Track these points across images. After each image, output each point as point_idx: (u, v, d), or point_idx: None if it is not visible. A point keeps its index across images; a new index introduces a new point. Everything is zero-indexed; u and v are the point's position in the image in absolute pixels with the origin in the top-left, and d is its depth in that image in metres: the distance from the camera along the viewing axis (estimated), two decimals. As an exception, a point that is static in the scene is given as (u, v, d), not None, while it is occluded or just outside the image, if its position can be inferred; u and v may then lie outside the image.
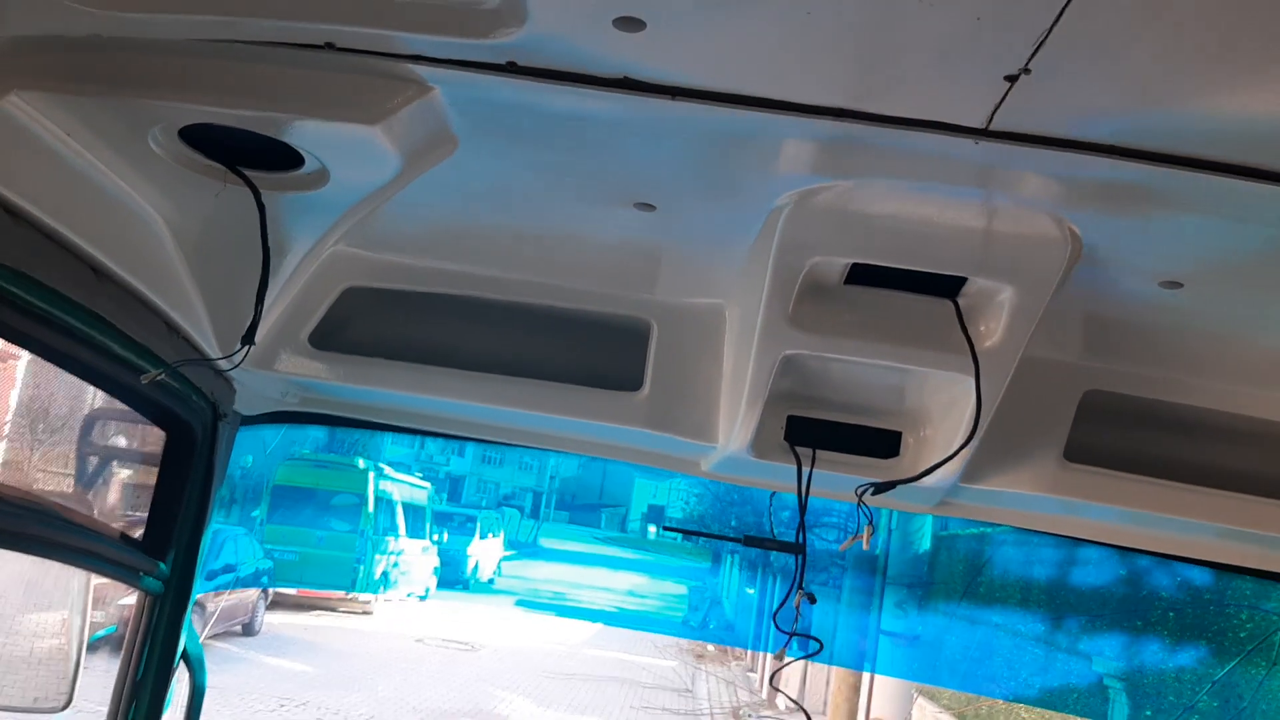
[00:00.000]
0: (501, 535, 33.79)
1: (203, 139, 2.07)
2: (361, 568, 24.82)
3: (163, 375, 2.47)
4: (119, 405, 2.87)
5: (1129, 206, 2.00)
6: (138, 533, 3.05)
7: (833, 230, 2.19)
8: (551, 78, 1.80)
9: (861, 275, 2.37)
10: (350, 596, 27.11)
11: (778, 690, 24.04)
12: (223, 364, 2.61)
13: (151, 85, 1.90)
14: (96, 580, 3.55)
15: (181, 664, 3.19)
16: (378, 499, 25.26)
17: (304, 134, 1.99)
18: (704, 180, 2.20)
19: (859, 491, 2.78)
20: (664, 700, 22.89)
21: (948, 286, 2.36)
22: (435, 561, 28.60)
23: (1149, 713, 8.30)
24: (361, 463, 24.89)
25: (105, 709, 3.06)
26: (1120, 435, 2.88)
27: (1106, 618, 9.29)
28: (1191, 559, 3.33)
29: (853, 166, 2.02)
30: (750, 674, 26.71)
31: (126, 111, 1.97)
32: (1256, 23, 1.42)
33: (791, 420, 2.83)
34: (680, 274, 2.73)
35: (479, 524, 31.56)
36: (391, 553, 25.94)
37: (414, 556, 27.34)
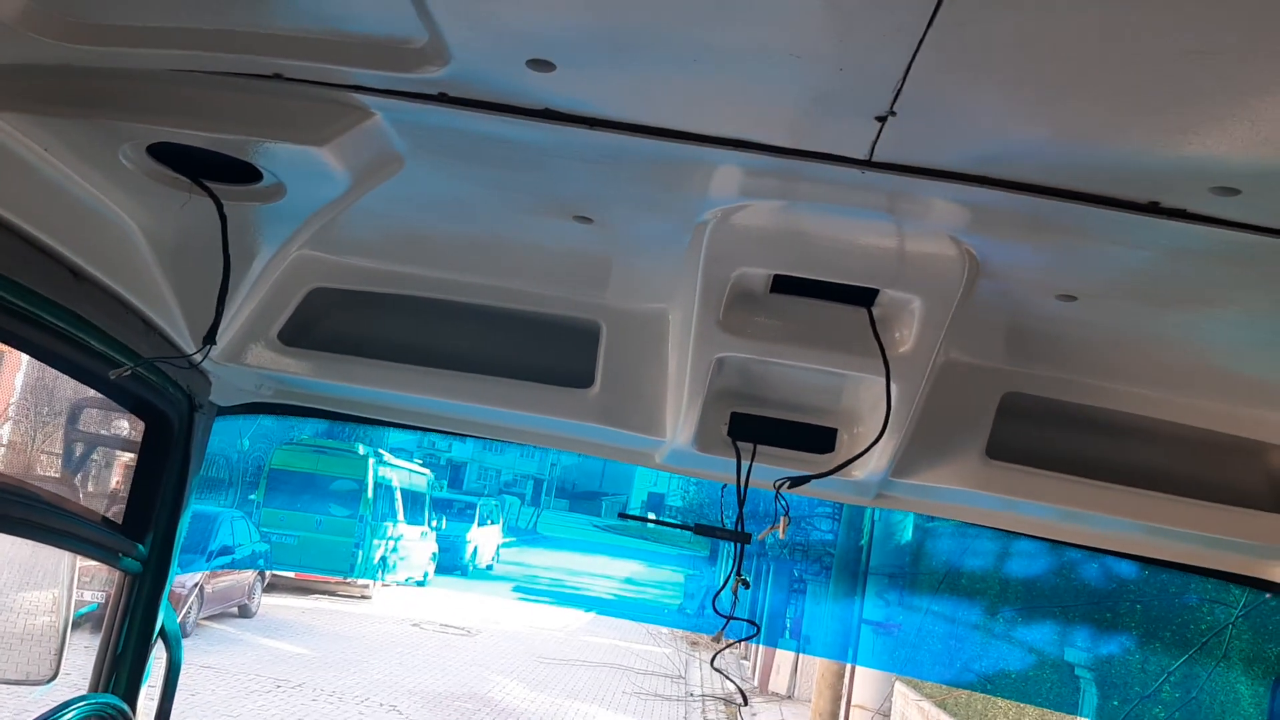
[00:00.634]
0: (501, 522, 33.92)
1: (171, 154, 2.25)
2: (360, 552, 24.93)
3: (132, 370, 2.64)
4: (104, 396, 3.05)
5: (1013, 230, 2.16)
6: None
7: (753, 245, 2.36)
8: (479, 107, 1.97)
9: (786, 284, 2.53)
10: (349, 581, 27.31)
11: (762, 681, 24.29)
12: (195, 358, 2.79)
13: (120, 109, 2.09)
14: (84, 562, 3.73)
15: (159, 640, 3.38)
16: (377, 484, 25.38)
17: (259, 153, 2.18)
18: (633, 198, 2.37)
19: (776, 484, 2.96)
20: (657, 686, 23.12)
21: (863, 296, 2.53)
22: (434, 547, 28.65)
23: (1115, 702, 8.51)
24: (362, 449, 24.94)
25: (88, 681, 3.27)
26: (1038, 435, 3.04)
27: (1079, 609, 9.47)
28: (1118, 553, 3.50)
29: (762, 189, 2.19)
30: (744, 661, 26.92)
31: (99, 130, 2.16)
32: (1084, 64, 1.53)
33: (735, 416, 3.00)
34: (626, 280, 2.88)
35: (478, 510, 31.64)
36: (390, 538, 26.04)
37: (413, 542, 27.43)
